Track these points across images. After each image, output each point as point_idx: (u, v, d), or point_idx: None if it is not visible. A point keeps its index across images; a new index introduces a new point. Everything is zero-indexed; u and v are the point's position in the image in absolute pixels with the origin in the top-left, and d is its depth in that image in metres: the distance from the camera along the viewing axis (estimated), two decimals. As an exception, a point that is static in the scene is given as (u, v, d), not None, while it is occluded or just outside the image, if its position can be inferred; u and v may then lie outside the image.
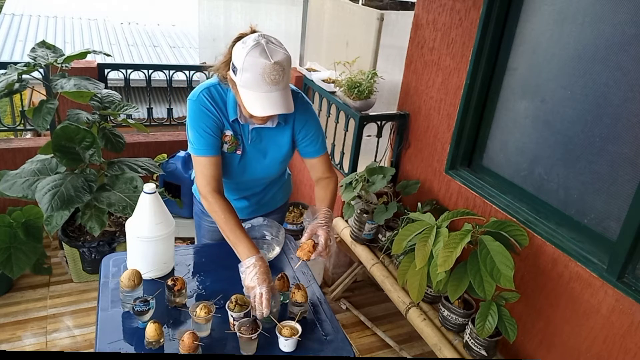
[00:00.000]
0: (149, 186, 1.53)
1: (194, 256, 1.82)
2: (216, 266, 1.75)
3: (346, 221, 2.86)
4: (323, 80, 3.21)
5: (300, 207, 3.42)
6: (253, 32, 1.49)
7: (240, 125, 1.64)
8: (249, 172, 1.73)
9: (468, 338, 2.02)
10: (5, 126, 3.19)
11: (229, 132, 1.63)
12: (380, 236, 2.66)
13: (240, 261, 1.52)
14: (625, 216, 1.72)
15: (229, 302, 1.44)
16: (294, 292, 1.53)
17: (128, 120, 3.02)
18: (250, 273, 1.46)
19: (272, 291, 1.44)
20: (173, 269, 1.70)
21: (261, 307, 1.41)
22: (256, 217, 1.78)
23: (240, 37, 1.49)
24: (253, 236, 1.66)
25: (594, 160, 1.89)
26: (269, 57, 1.39)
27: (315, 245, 1.55)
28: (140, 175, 2.62)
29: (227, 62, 1.52)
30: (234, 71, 1.46)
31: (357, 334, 2.77)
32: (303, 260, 1.56)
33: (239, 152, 1.67)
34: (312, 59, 3.74)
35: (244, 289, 1.48)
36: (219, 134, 1.62)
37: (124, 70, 3.40)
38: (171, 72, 3.56)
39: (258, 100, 1.44)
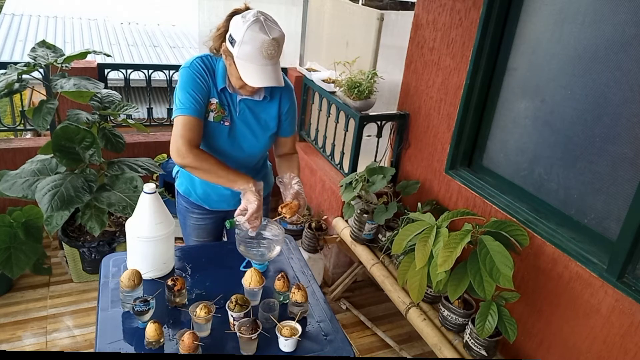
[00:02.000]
0: (149, 186, 1.54)
1: (194, 256, 1.82)
2: (216, 266, 1.75)
3: (346, 221, 2.86)
4: (323, 80, 3.21)
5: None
6: (247, 8, 1.57)
7: (229, 94, 1.70)
8: (237, 147, 1.77)
9: (468, 338, 2.02)
10: (5, 126, 3.19)
11: (214, 100, 1.69)
12: (380, 236, 2.66)
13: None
14: (625, 216, 1.72)
15: (229, 302, 1.44)
16: (294, 292, 1.53)
17: (128, 120, 3.02)
18: (251, 197, 1.59)
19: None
20: (173, 269, 1.70)
21: (254, 223, 1.60)
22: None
23: (235, 12, 1.57)
24: (253, 236, 1.67)
25: (594, 160, 1.89)
26: (268, 33, 1.49)
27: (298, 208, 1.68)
28: (140, 175, 2.62)
29: (222, 35, 1.60)
30: (231, 43, 1.54)
31: (357, 334, 2.77)
32: (283, 217, 1.66)
33: (226, 124, 1.72)
34: (312, 59, 3.74)
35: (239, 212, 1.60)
36: (205, 101, 1.68)
37: (124, 70, 3.40)
38: (171, 72, 3.55)
39: (253, 72, 1.53)
